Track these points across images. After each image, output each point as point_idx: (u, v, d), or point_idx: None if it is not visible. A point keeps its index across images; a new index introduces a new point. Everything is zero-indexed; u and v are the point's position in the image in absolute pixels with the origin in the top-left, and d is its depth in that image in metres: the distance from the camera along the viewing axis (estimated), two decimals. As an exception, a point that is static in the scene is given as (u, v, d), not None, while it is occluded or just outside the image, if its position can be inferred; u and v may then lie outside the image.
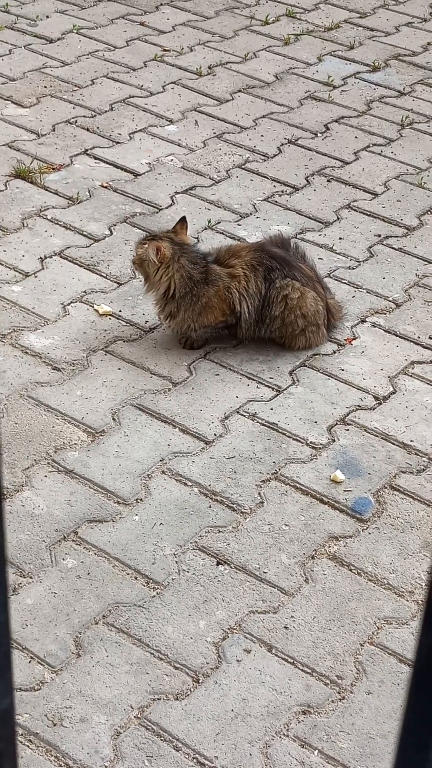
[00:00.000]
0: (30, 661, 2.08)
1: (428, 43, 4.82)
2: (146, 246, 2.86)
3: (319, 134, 4.07)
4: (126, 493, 2.49)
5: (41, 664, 2.08)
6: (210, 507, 2.47)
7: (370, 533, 2.45)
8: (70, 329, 2.99)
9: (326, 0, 5.14)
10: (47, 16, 4.76)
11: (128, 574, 2.29)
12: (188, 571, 2.31)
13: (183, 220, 2.98)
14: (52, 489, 2.48)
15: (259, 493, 2.52)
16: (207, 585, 2.28)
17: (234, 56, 4.56)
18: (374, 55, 4.67)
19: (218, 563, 2.34)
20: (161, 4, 4.94)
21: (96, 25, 4.71)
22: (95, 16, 4.79)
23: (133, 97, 4.20)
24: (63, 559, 2.30)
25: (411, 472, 2.62)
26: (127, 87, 4.26)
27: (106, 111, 4.09)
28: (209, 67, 4.45)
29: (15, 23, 4.69)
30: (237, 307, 2.91)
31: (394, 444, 2.70)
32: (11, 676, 0.63)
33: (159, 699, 2.03)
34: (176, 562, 2.33)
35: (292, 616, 2.23)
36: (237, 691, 2.06)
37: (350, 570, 2.35)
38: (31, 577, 2.26)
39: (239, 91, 4.31)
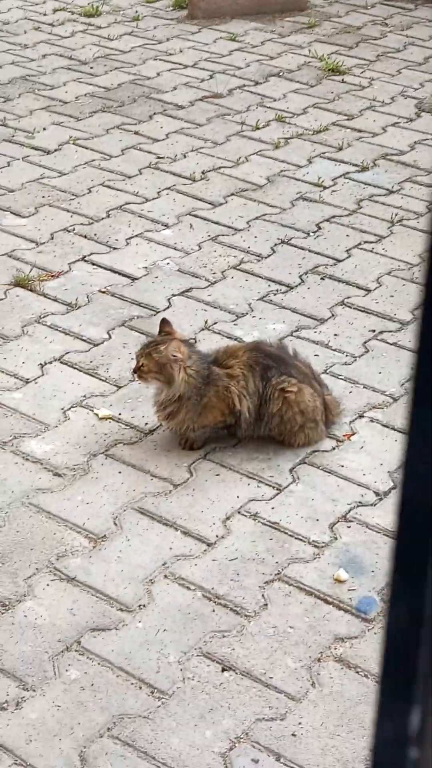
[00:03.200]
0: (34, 778, 2.04)
1: (415, 142, 4.95)
2: (163, 349, 2.85)
3: (311, 234, 4.15)
4: (129, 600, 2.47)
5: (45, 781, 2.04)
6: (214, 611, 2.45)
7: (375, 633, 2.42)
8: (71, 434, 3.01)
9: (314, 104, 5.30)
10: (44, 129, 4.91)
11: (132, 684, 2.26)
12: (193, 679, 2.28)
13: (164, 321, 3.00)
14: (54, 598, 2.47)
15: (263, 595, 2.51)
16: (212, 693, 2.25)
17: (226, 161, 4.69)
18: (362, 156, 4.79)
19: (223, 669, 2.30)
20: (155, 113, 5.10)
21: (92, 136, 4.85)
22: (91, 127, 4.94)
23: (129, 203, 4.30)
24: (66, 671, 2.28)
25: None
26: (123, 194, 4.37)
27: (102, 218, 4.19)
28: (203, 173, 4.57)
29: (13, 136, 4.83)
30: (237, 407, 2.93)
31: (396, 540, 2.69)
32: None
33: None
34: (181, 669, 2.30)
35: (299, 723, 2.19)
36: (246, 803, 2.02)
37: (357, 672, 2.32)
38: (34, 690, 2.23)
39: (232, 194, 4.42)
